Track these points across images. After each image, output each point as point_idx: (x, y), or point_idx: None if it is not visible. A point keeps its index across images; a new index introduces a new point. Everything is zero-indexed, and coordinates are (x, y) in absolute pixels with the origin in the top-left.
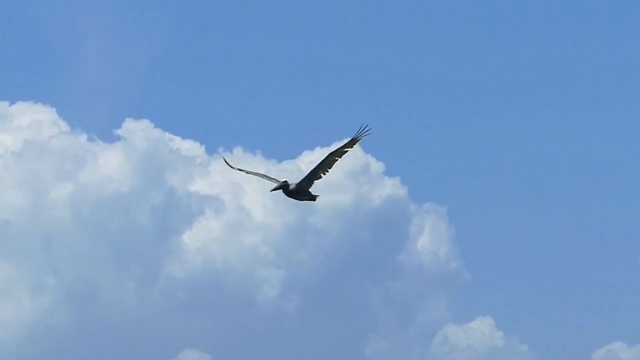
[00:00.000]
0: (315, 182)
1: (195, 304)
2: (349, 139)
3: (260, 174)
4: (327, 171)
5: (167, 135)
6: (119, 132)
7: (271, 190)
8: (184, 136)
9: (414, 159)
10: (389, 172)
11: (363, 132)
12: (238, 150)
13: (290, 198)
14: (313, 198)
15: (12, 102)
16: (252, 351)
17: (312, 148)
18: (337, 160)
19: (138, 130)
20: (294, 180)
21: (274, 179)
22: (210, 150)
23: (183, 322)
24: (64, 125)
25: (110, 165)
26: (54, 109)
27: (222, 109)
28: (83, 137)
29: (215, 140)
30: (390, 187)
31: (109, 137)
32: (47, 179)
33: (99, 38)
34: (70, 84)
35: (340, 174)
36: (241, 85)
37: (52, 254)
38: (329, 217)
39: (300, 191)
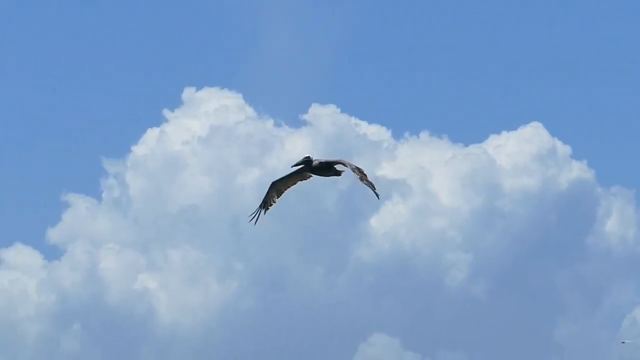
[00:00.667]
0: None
1: (383, 288)
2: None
3: (293, 175)
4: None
5: (353, 120)
6: (305, 117)
7: (292, 166)
8: (370, 121)
9: (601, 142)
10: (576, 156)
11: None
12: (424, 135)
13: (313, 174)
14: (338, 173)
15: (198, 88)
16: (440, 335)
17: (498, 132)
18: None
19: (324, 116)
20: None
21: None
22: (397, 135)
23: (371, 306)
24: (250, 111)
25: (297, 150)
26: (240, 95)
27: (408, 93)
28: (270, 123)
29: (402, 125)
30: (578, 171)
31: (296, 123)
32: (234, 164)
33: (285, 23)
34: (257, 70)
35: (527, 158)
36: (426, 69)
37: (239, 240)
38: (516, 201)
39: (324, 167)
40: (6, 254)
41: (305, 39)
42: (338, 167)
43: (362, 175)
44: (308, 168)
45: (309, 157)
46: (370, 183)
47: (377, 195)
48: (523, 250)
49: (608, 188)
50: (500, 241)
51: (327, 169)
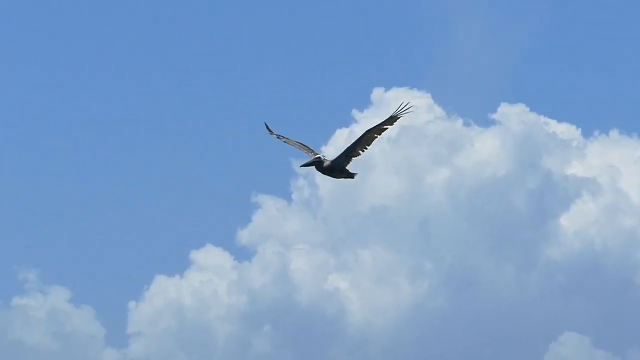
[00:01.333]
0: (354, 159)
1: (573, 287)
2: (389, 116)
3: (298, 143)
4: (366, 148)
5: (543, 118)
6: (494, 116)
7: (301, 166)
8: (560, 119)
9: None
10: None
11: (403, 109)
12: (614, 133)
13: (324, 175)
14: (351, 175)
15: (387, 88)
16: (630, 334)
17: None
18: (376, 137)
19: (513, 115)
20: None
21: (311, 150)
22: (586, 134)
23: (562, 305)
24: (439, 111)
25: (486, 149)
26: (429, 95)
27: (598, 91)
28: (459, 122)
29: (592, 123)
30: None
31: (485, 122)
32: (424, 164)
33: (473, 22)
34: (446, 69)
35: None
36: (615, 66)
37: (429, 239)
38: None
39: (336, 168)
40: (197, 256)
41: (494, 38)
42: (350, 169)
43: (387, 121)
44: (319, 169)
45: (319, 157)
46: (397, 113)
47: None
48: None
49: None
50: None
51: (340, 170)
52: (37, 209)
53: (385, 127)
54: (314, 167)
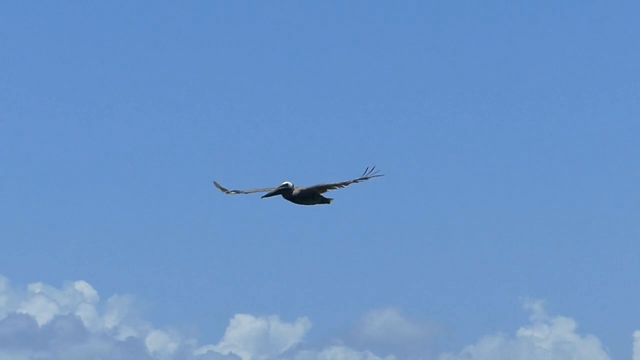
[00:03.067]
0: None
1: None
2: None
3: (259, 190)
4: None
5: None
6: None
7: (264, 197)
8: None
9: None
10: None
11: (373, 173)
12: None
13: (295, 203)
14: (326, 201)
15: None
16: None
17: None
18: (335, 188)
19: None
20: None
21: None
22: None
23: None
24: None
25: None
26: None
27: None
28: None
29: None
30: None
31: None
32: None
33: None
34: None
35: None
36: None
37: None
38: None
39: (308, 196)
40: None
41: None
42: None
43: (345, 183)
44: (287, 197)
45: (286, 183)
46: (360, 179)
47: (365, 178)
48: None
49: None
50: None
51: (312, 197)
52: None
53: (344, 185)
54: (281, 196)
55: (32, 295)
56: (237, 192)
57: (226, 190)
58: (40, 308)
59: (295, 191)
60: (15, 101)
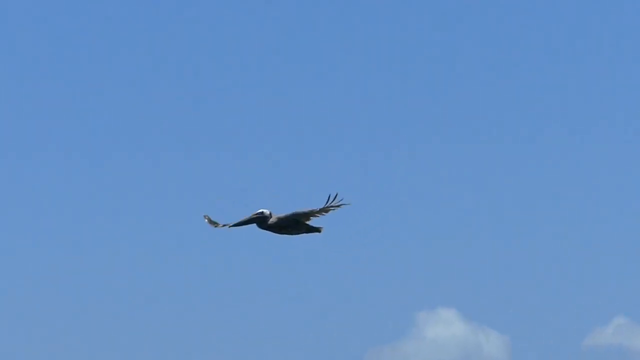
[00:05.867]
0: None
1: None
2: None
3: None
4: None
5: None
6: None
7: (232, 226)
8: None
9: None
10: None
11: (339, 203)
12: None
13: (274, 233)
14: (315, 229)
15: None
16: None
17: None
18: (317, 215)
19: None
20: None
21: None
22: None
23: None
24: None
25: None
26: None
27: None
28: None
29: None
30: None
31: None
32: None
33: None
34: None
35: None
36: None
37: None
38: None
39: (289, 225)
40: None
41: None
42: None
43: (324, 209)
44: (263, 226)
45: (262, 211)
46: (329, 207)
47: (336, 206)
48: None
49: None
50: None
51: (295, 227)
52: None
53: (317, 214)
54: (254, 225)
55: None
56: (231, 226)
57: (218, 224)
58: None
59: (272, 219)
60: None
